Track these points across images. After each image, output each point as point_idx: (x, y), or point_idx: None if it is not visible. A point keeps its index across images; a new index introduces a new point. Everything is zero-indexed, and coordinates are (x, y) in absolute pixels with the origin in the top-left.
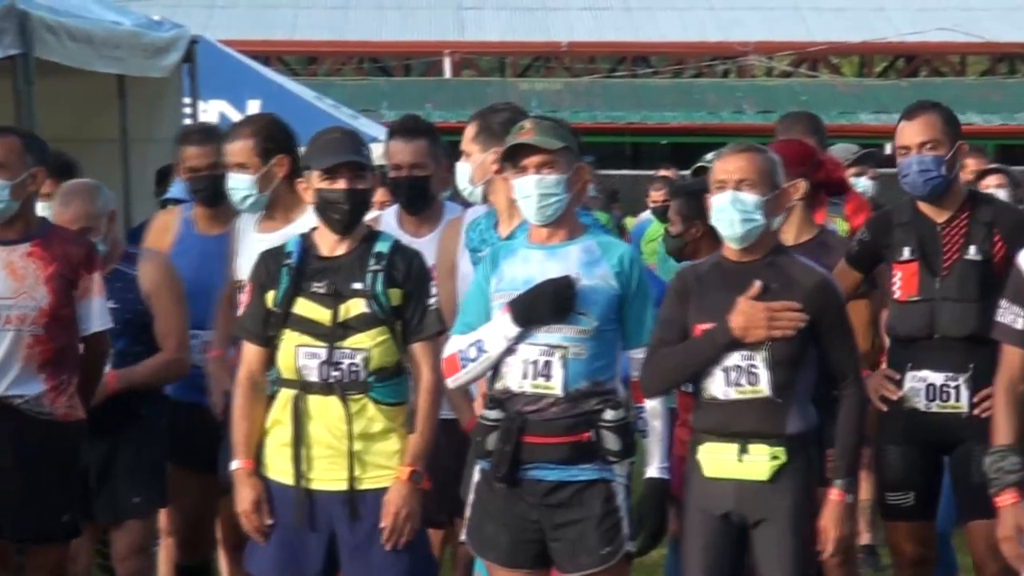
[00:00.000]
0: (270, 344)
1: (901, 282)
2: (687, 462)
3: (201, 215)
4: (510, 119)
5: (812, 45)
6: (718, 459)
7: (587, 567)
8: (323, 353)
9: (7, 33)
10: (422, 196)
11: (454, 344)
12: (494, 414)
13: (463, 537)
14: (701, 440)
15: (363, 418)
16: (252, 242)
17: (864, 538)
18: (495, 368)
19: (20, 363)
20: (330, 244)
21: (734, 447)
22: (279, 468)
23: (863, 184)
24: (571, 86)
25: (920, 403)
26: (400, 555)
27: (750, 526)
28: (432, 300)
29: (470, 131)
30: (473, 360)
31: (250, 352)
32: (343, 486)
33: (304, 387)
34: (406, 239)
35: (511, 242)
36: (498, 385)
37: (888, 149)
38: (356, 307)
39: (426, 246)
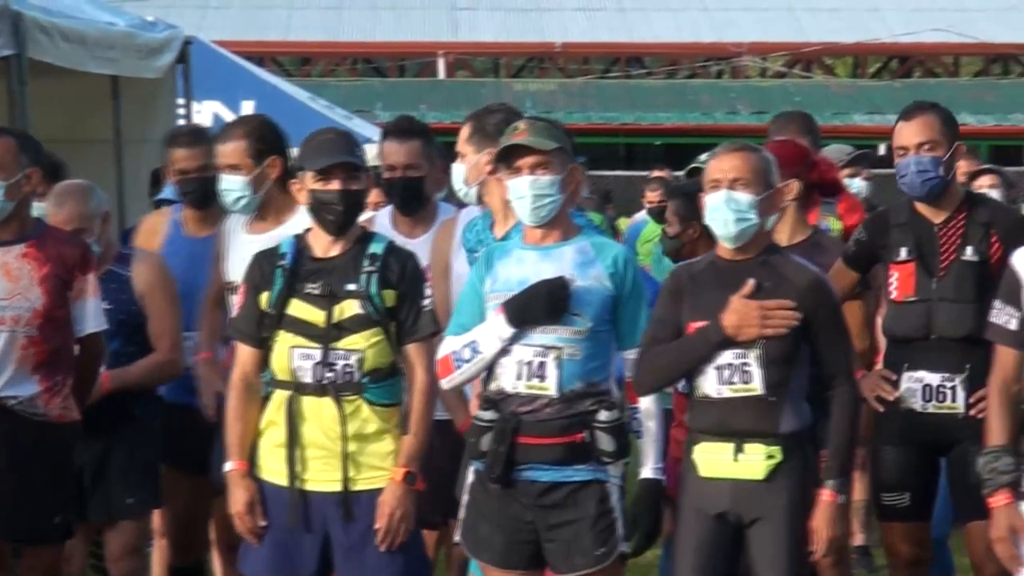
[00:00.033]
0: (264, 345)
1: (898, 282)
2: (683, 462)
3: (191, 217)
4: (504, 120)
5: (806, 46)
6: (714, 459)
7: (581, 568)
8: (317, 354)
9: (0, 34)
10: (416, 197)
11: (448, 345)
12: (488, 415)
13: (457, 538)
14: (696, 440)
15: (357, 419)
16: (242, 243)
17: (858, 539)
18: (489, 369)
19: (14, 364)
20: (324, 245)
21: (730, 447)
22: (273, 469)
23: (857, 185)
24: (565, 87)
25: (916, 404)
26: (394, 556)
27: (745, 525)
28: (427, 301)
29: (464, 132)
30: (467, 361)
31: (244, 353)
32: (337, 487)
33: (298, 388)
34: (400, 240)
35: (505, 243)
36: (492, 386)
37: (882, 150)
38: (350, 308)
39: (420, 247)
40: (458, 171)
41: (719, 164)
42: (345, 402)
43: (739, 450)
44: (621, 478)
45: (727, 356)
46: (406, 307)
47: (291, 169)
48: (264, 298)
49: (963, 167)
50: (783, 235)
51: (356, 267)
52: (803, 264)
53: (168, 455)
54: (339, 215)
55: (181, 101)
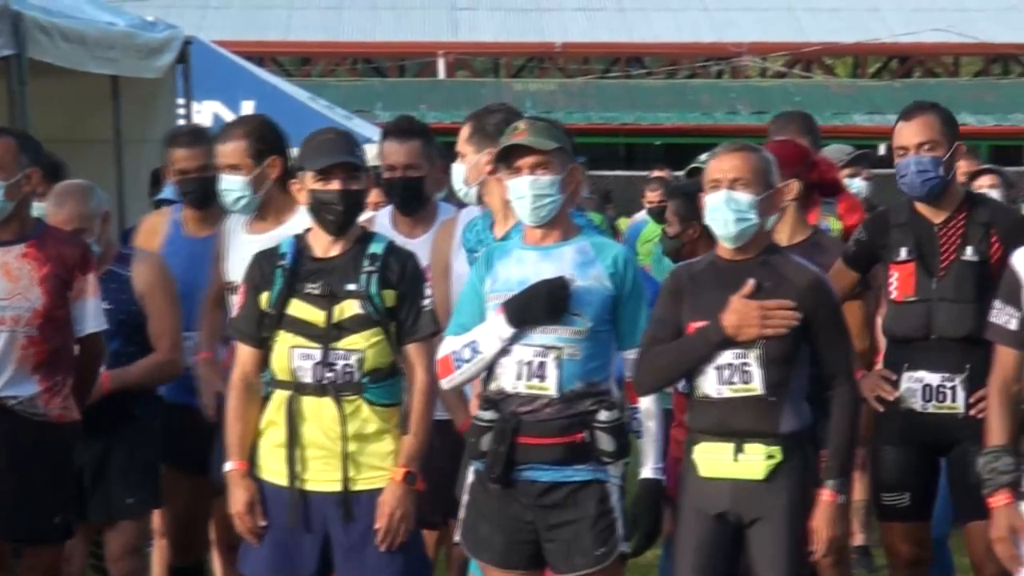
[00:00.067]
0: (264, 345)
1: (898, 282)
2: (683, 462)
3: (190, 217)
4: (504, 120)
5: (806, 46)
6: (714, 459)
7: (581, 568)
8: (317, 354)
9: (0, 34)
10: (416, 197)
11: (448, 345)
12: (488, 415)
13: (457, 538)
14: (697, 440)
15: (357, 419)
16: (242, 243)
17: (858, 539)
18: (489, 369)
19: (14, 364)
20: (324, 245)
21: (730, 447)
22: (273, 469)
23: (857, 185)
24: (565, 87)
25: (916, 404)
26: (394, 556)
27: (745, 525)
28: (427, 301)
29: (464, 132)
30: (467, 361)
31: (244, 353)
32: (337, 487)
33: (298, 388)
34: (400, 240)
35: (505, 243)
36: (492, 386)
37: (882, 150)
38: (350, 308)
39: (420, 247)
40: (458, 171)
41: (719, 164)
42: (345, 402)
43: (739, 450)
44: (621, 478)
45: (727, 356)
46: (406, 307)
47: (291, 169)
48: (264, 298)
49: (963, 167)
50: (783, 235)
51: (356, 267)
52: (803, 264)
53: (168, 455)
54: (339, 215)
55: (181, 101)
